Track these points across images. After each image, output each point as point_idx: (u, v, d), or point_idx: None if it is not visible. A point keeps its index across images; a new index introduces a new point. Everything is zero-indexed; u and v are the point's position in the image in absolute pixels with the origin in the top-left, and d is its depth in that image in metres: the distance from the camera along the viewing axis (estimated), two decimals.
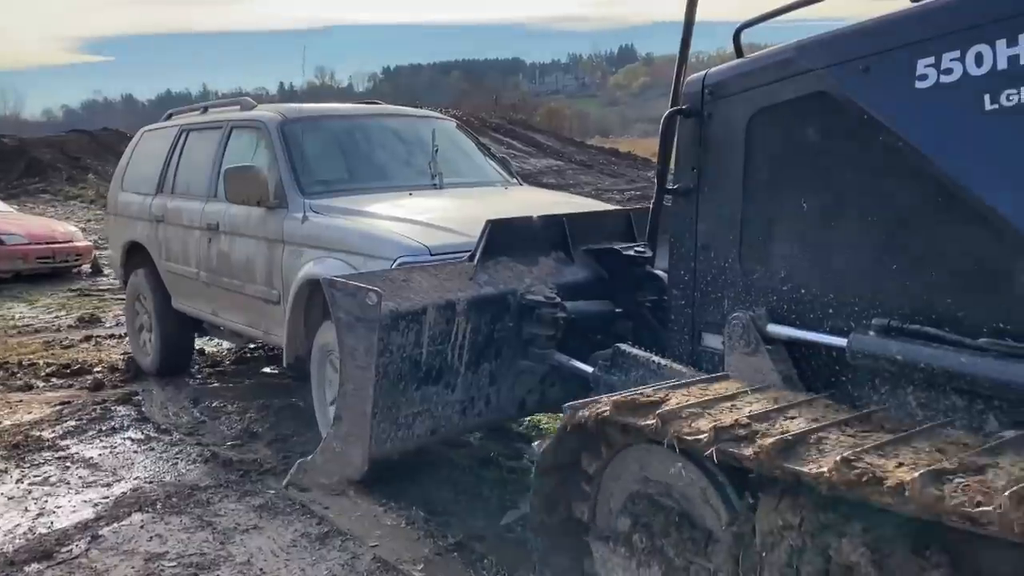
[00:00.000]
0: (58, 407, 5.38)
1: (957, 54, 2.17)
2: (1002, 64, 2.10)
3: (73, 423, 5.06)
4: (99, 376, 6.13)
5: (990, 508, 1.58)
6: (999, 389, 2.07)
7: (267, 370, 6.26)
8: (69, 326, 8.23)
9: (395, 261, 3.65)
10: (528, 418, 4.57)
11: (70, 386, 5.97)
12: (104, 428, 4.98)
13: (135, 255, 6.16)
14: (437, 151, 4.84)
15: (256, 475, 4.10)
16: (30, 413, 5.28)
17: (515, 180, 5.45)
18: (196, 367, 6.32)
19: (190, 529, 3.53)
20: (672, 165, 3.02)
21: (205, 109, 5.97)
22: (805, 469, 1.86)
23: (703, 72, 2.85)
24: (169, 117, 6.31)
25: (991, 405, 2.15)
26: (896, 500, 1.70)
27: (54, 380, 6.12)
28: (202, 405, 5.38)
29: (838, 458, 1.82)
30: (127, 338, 6.69)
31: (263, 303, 4.63)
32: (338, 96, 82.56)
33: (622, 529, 2.50)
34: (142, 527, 3.57)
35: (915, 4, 2.36)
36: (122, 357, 6.57)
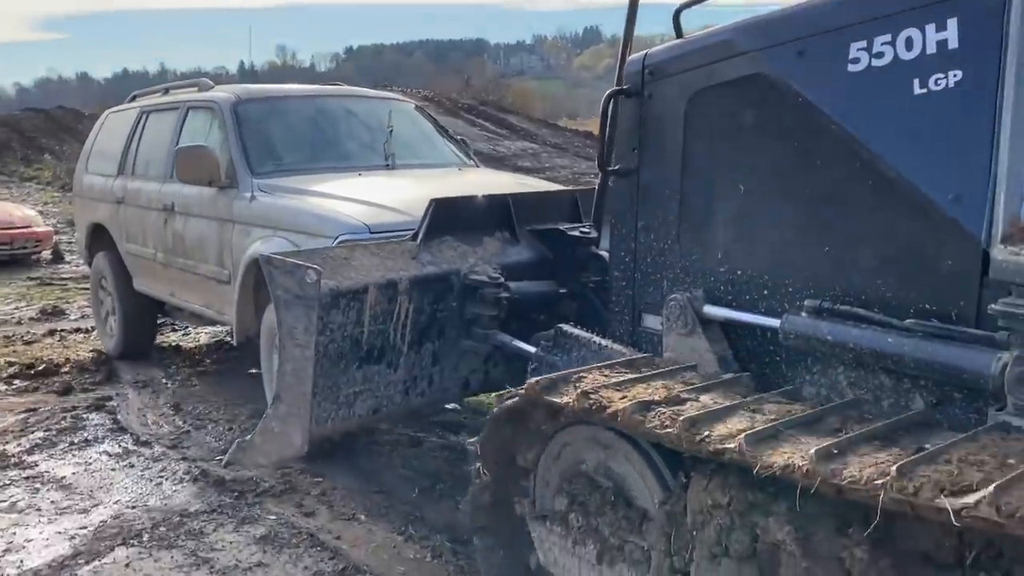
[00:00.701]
0: (23, 415, 4.91)
1: (888, 38, 2.19)
2: (931, 49, 2.12)
3: (41, 434, 4.56)
4: (67, 378, 5.66)
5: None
6: (924, 369, 2.11)
7: (254, 371, 5.60)
8: (31, 319, 7.71)
9: (336, 239, 3.66)
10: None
11: (35, 389, 5.46)
12: (76, 440, 4.48)
13: (99, 237, 6.14)
14: (392, 132, 4.85)
15: (253, 497, 3.73)
16: None
17: (472, 162, 5.47)
18: (174, 367, 5.89)
19: (184, 568, 3.16)
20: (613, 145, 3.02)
21: (166, 91, 5.96)
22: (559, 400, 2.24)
23: (643, 52, 2.84)
24: (133, 99, 6.28)
25: (917, 384, 2.19)
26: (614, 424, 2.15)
27: (17, 383, 5.60)
28: (184, 412, 4.92)
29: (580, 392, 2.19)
30: (95, 333, 6.43)
31: (215, 283, 4.63)
32: (300, 76, 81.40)
33: (559, 508, 2.52)
34: (127, 566, 3.19)
35: None
36: (91, 355, 6.11)
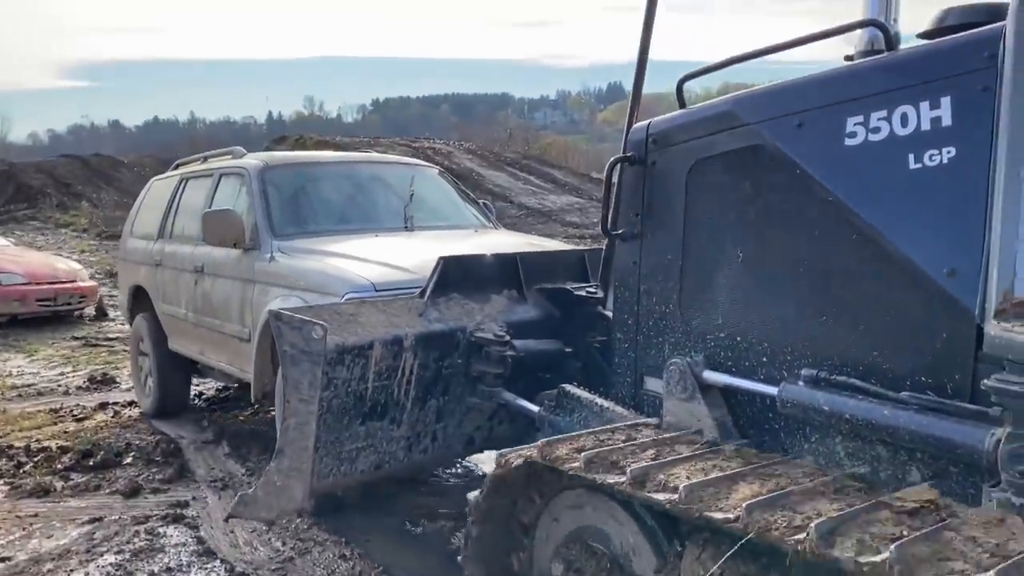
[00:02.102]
0: (87, 527, 4.10)
1: (884, 114, 2.24)
2: (925, 125, 2.17)
3: (112, 558, 3.72)
4: (132, 472, 4.94)
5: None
6: (919, 442, 2.11)
7: None
8: (79, 387, 7.13)
9: (343, 296, 3.73)
10: None
11: (97, 488, 4.69)
12: (157, 571, 3.62)
13: (139, 299, 6.39)
14: (413, 196, 5.01)
15: None
16: (50, 537, 3.99)
17: (491, 224, 5.60)
18: (251, 455, 5.14)
19: None
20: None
21: (205, 159, 6.26)
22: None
23: (647, 121, 2.91)
24: (176, 167, 6.61)
25: (914, 457, 2.19)
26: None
27: (74, 477, 4.86)
28: (281, 527, 4.01)
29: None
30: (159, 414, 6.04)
31: (238, 341, 4.78)
32: (327, 127, 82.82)
33: (555, 574, 2.51)
34: None
35: (847, 64, 2.44)
36: (153, 439, 5.48)
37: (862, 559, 1.68)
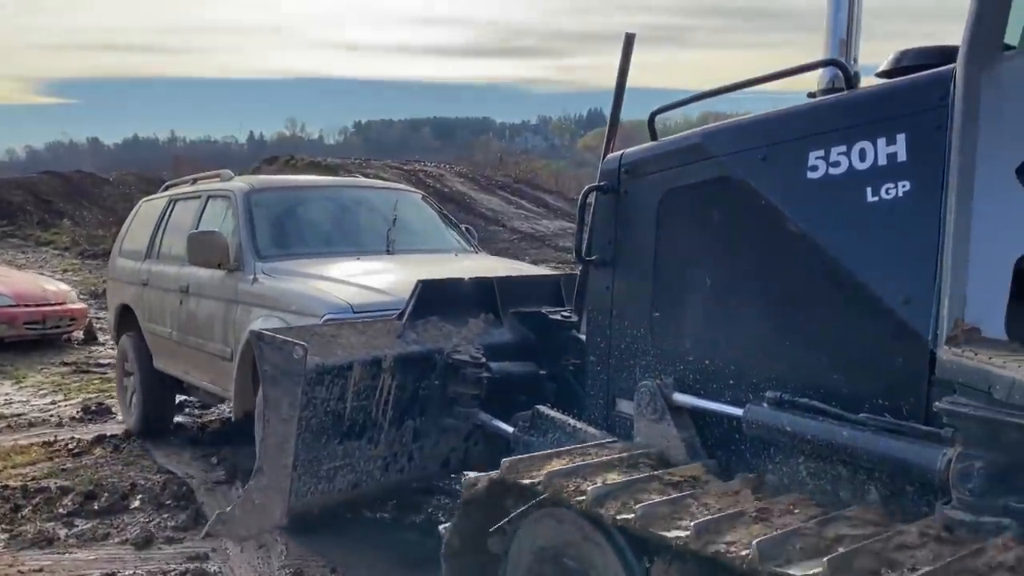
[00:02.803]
0: None
1: (844, 149, 2.36)
2: (882, 160, 2.29)
3: None
4: (142, 517, 4.53)
5: None
6: (876, 462, 2.21)
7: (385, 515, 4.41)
8: (72, 418, 6.72)
9: (322, 317, 3.80)
10: None
11: (105, 536, 4.29)
12: None
13: (126, 318, 6.43)
14: (396, 220, 5.10)
15: None
16: None
17: (472, 248, 5.71)
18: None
19: None
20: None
21: (194, 181, 6.40)
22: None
23: (620, 152, 3.02)
24: (166, 188, 6.74)
25: (872, 476, 2.28)
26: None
27: (79, 523, 4.44)
28: None
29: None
30: (161, 448, 5.72)
31: (220, 360, 4.86)
32: (309, 147, 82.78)
33: None
34: None
35: (809, 101, 2.56)
36: (159, 477, 5.05)
37: (618, 516, 2.18)
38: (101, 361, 9.16)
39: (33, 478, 5.13)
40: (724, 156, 2.63)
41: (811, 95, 2.70)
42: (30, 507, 4.66)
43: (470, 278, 3.74)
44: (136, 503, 4.74)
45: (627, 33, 3.43)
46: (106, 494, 4.80)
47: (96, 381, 8.13)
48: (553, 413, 3.08)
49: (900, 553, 1.80)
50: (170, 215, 6.03)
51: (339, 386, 3.08)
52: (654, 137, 2.96)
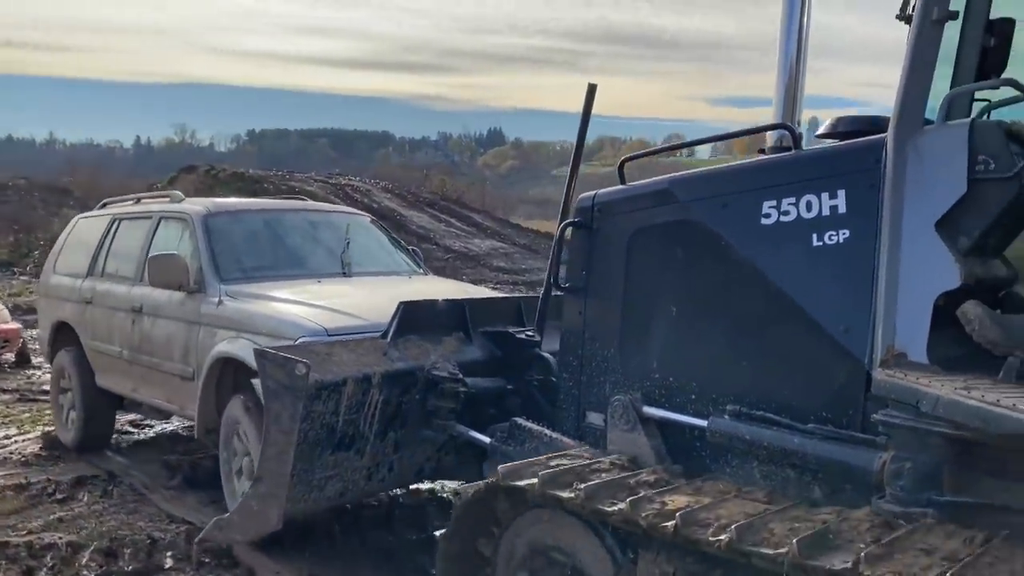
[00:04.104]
0: None
1: (793, 200, 2.80)
2: (825, 211, 2.74)
3: None
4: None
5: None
6: (822, 465, 2.65)
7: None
8: (37, 455, 6.07)
9: (296, 340, 3.99)
10: None
11: None
12: None
13: (63, 335, 6.37)
14: (349, 243, 5.33)
15: None
16: None
17: (421, 271, 5.97)
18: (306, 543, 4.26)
19: None
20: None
21: (138, 200, 6.41)
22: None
23: (594, 192, 3.40)
24: (104, 206, 6.69)
25: (816, 478, 2.72)
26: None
27: None
28: None
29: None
30: (156, 491, 5.26)
31: (179, 380, 4.93)
32: (199, 155, 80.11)
33: None
34: None
35: (764, 157, 3.01)
36: (177, 528, 4.53)
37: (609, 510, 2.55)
38: (45, 388, 7.92)
39: (30, 532, 4.57)
40: (689, 202, 3.05)
41: (761, 151, 3.16)
42: (45, 569, 4.11)
43: (444, 300, 4.03)
44: (169, 562, 4.19)
45: (589, 84, 3.82)
46: (127, 551, 4.29)
47: (47, 411, 7.16)
48: (530, 424, 3.40)
49: (851, 533, 2.23)
50: (115, 234, 6.04)
51: (334, 401, 3.32)
52: (623, 181, 3.35)
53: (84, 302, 6.04)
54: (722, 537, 2.29)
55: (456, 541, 2.99)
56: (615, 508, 2.54)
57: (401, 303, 3.77)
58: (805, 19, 3.18)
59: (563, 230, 3.41)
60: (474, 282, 8.06)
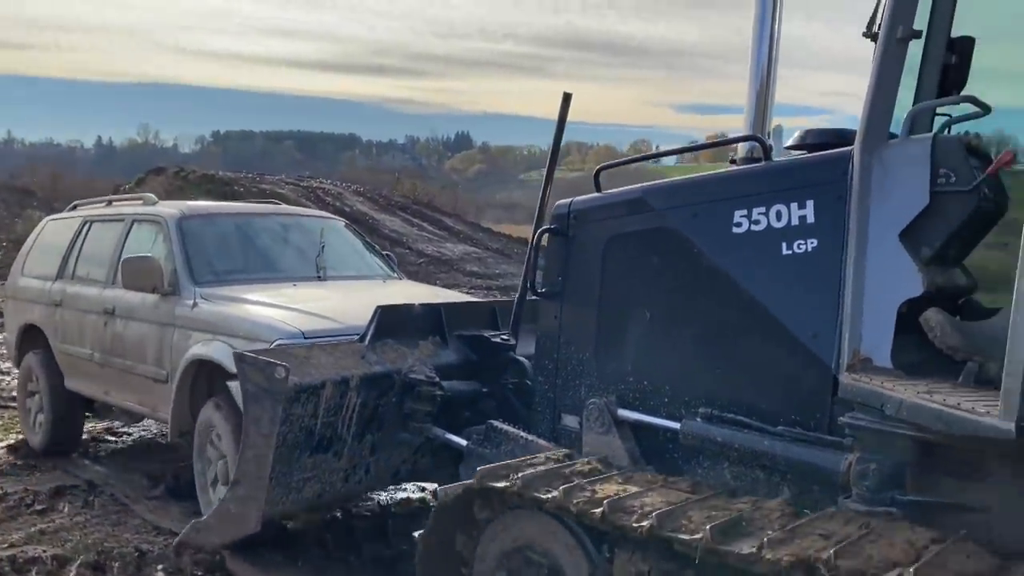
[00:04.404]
0: None
1: (763, 210, 2.89)
2: (794, 221, 2.83)
3: None
4: None
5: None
6: (790, 466, 2.74)
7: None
8: (12, 464, 5.85)
9: (273, 343, 4.01)
10: None
11: None
12: None
13: (30, 338, 6.29)
14: (324, 247, 5.35)
15: None
16: None
17: (396, 275, 5.99)
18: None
19: None
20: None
21: (110, 203, 6.38)
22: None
23: (570, 200, 3.47)
24: (74, 208, 6.63)
25: (784, 478, 2.81)
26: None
27: None
28: None
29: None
30: (139, 502, 5.06)
31: (153, 382, 4.90)
32: (163, 156, 78.81)
33: None
34: None
35: (735, 168, 3.10)
36: (164, 540, 4.33)
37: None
38: (15, 393, 7.29)
39: (12, 545, 4.38)
40: (663, 210, 3.13)
41: (732, 162, 3.25)
42: None
43: (420, 304, 4.08)
44: (160, 574, 4.06)
45: (565, 92, 3.90)
46: (115, 564, 4.13)
47: (15, 416, 6.89)
48: (506, 427, 3.46)
49: (762, 520, 2.44)
50: (86, 236, 5.98)
51: (312, 403, 3.34)
52: (598, 189, 3.43)
53: (54, 304, 5.98)
54: (644, 523, 2.45)
55: (434, 540, 3.03)
56: (549, 496, 2.69)
57: (378, 307, 3.81)
58: (776, 28, 3.27)
59: (540, 236, 3.48)
60: (448, 287, 8.05)
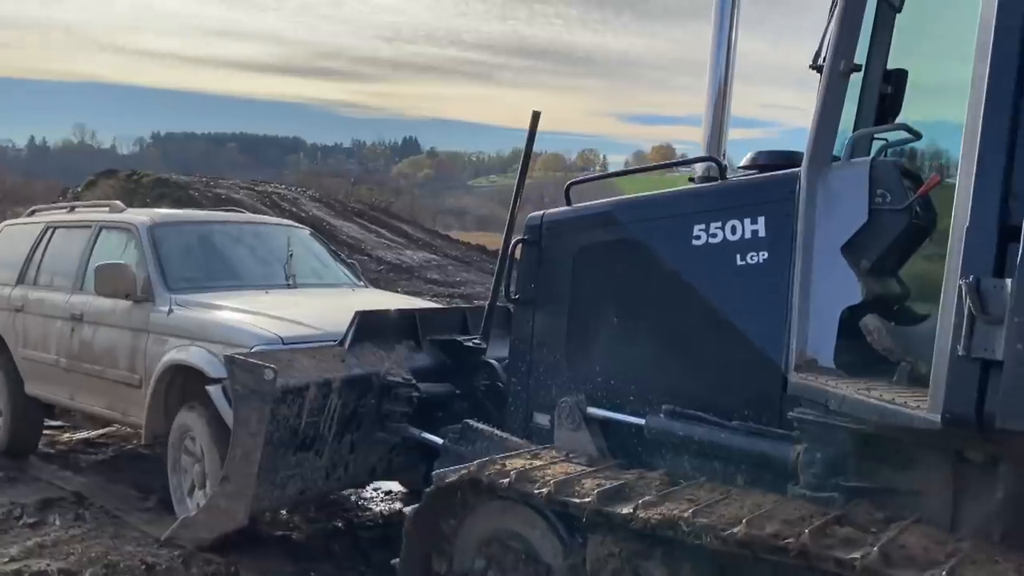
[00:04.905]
0: None
1: (720, 224, 3.18)
2: (748, 235, 3.12)
3: None
4: None
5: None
6: (746, 456, 3.02)
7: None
8: None
9: (251, 349, 4.14)
10: None
11: None
12: None
13: None
14: (292, 255, 5.50)
15: None
16: None
17: (362, 283, 6.16)
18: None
19: None
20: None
21: (72, 208, 6.42)
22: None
23: (542, 212, 3.72)
24: (32, 213, 6.65)
25: (739, 468, 3.09)
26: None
27: None
28: None
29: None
30: (131, 514, 4.97)
31: (124, 387, 4.98)
32: (101, 158, 76.70)
33: (477, 568, 3.17)
34: None
35: (695, 186, 3.39)
36: (170, 553, 4.12)
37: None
38: None
39: (13, 559, 4.30)
40: (630, 223, 3.40)
41: (691, 180, 3.54)
42: None
43: (396, 310, 4.28)
44: None
45: (534, 111, 4.15)
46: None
47: None
48: (481, 426, 3.68)
49: (643, 488, 2.83)
50: (48, 242, 6.03)
51: (297, 404, 3.52)
52: (569, 202, 3.68)
53: (14, 310, 6.00)
54: (543, 490, 2.82)
55: (422, 523, 3.23)
56: (461, 473, 3.04)
57: (357, 312, 4.01)
58: (732, 53, 3.56)
59: (514, 247, 3.71)
60: (410, 294, 8.11)
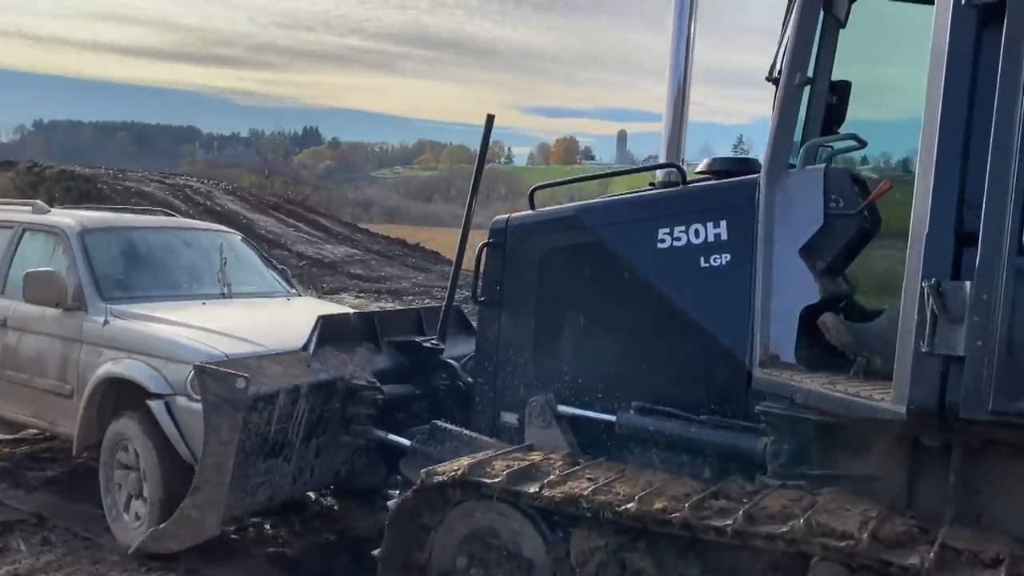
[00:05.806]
0: None
1: (683, 228, 3.33)
2: (711, 238, 3.28)
3: None
4: None
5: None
6: (713, 449, 3.19)
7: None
8: None
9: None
10: None
11: None
12: None
13: None
14: (226, 263, 5.38)
15: None
16: None
17: (294, 291, 6.06)
18: None
19: None
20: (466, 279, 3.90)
21: None
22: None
23: (507, 216, 3.79)
24: None
25: (707, 461, 3.25)
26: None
27: None
28: None
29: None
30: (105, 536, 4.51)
31: (53, 396, 4.77)
32: None
33: (460, 566, 3.23)
34: None
35: (660, 191, 3.52)
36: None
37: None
38: None
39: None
40: (595, 227, 3.51)
41: (651, 184, 3.68)
42: None
43: (355, 313, 4.28)
44: None
45: (488, 114, 4.21)
46: None
47: None
48: (449, 426, 3.73)
49: (549, 469, 3.07)
50: None
51: (268, 411, 3.49)
52: (533, 207, 3.77)
53: None
54: (457, 472, 3.08)
55: (405, 516, 3.27)
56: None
57: (320, 317, 3.99)
58: (689, 59, 3.70)
59: (481, 250, 3.77)
60: (334, 291, 8.00)
